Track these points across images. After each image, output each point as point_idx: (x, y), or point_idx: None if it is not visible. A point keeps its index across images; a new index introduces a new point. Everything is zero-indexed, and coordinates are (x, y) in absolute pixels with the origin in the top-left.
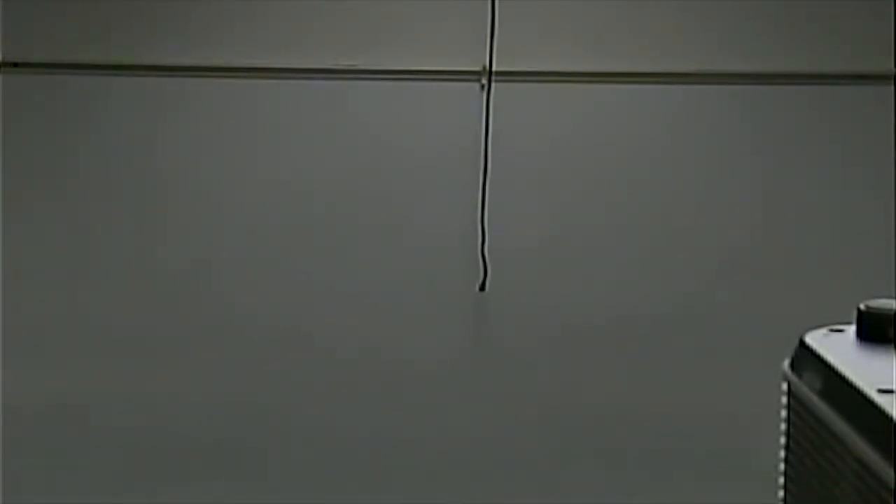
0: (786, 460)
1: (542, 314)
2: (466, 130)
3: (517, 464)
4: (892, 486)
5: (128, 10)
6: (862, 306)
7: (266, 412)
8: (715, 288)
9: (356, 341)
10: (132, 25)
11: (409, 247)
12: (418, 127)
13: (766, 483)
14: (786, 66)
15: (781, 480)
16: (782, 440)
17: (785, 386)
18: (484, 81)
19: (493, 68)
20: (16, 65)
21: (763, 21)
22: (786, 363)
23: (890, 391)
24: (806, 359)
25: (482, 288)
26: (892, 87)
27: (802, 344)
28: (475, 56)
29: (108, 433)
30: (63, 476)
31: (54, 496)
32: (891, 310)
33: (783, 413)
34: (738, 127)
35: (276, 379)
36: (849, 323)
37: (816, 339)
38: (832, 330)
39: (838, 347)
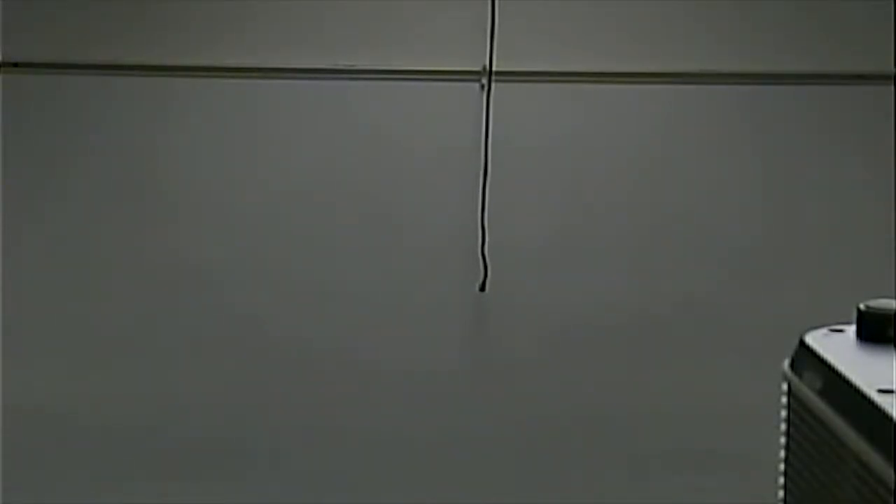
0: (786, 460)
1: (542, 314)
2: (466, 130)
3: (517, 463)
4: (892, 486)
5: (128, 10)
6: (862, 306)
7: (266, 412)
8: (715, 288)
9: (356, 341)
10: (132, 25)
11: (409, 247)
12: (418, 127)
13: (766, 483)
14: (786, 66)
15: (781, 480)
16: (782, 440)
17: (785, 386)
18: (484, 81)
19: (493, 68)
20: (16, 65)
21: (763, 21)
22: (786, 363)
23: (890, 391)
24: (806, 359)
25: (482, 288)
26: (892, 87)
27: (802, 344)
28: (475, 56)
29: (109, 433)
30: (63, 476)
31: (54, 496)
32: (891, 310)
33: (783, 413)
34: (738, 127)
35: (275, 378)
36: (849, 323)
37: (816, 339)
38: (832, 330)
39: (838, 347)
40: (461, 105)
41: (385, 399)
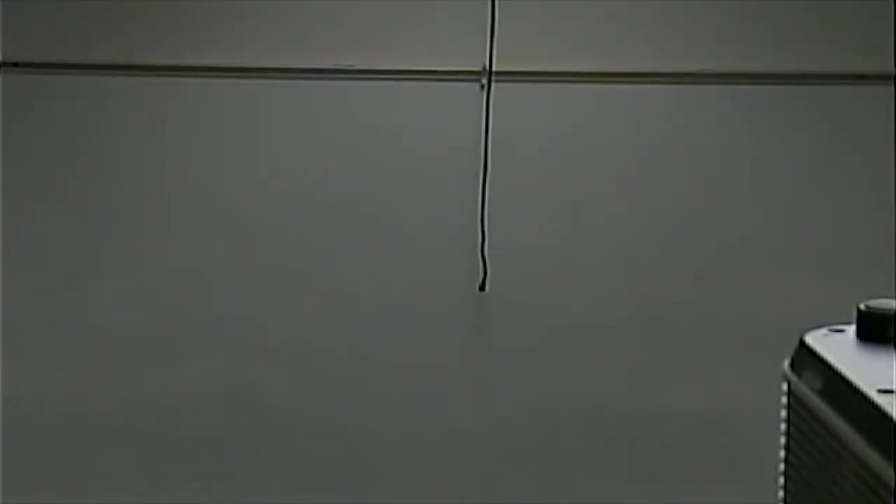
0: (786, 460)
1: (542, 314)
2: (466, 130)
3: (517, 464)
4: (893, 486)
5: (128, 10)
6: (862, 306)
7: (266, 411)
8: (715, 288)
9: (356, 341)
10: (132, 25)
11: (409, 247)
12: (418, 127)
13: (766, 483)
14: (786, 66)
15: (781, 480)
16: (782, 440)
17: (785, 386)
18: (484, 81)
19: (493, 68)
20: (16, 65)
21: (763, 21)
22: (786, 363)
23: (890, 391)
24: (806, 359)
25: (482, 288)
26: (892, 87)
27: (802, 344)
28: (475, 56)
29: (108, 433)
30: (63, 476)
31: (54, 496)
32: (891, 310)
33: (783, 413)
34: (738, 127)
35: (275, 378)
36: (849, 323)
37: (816, 339)
38: (832, 330)
39: (838, 347)
40: (461, 105)
41: (385, 398)
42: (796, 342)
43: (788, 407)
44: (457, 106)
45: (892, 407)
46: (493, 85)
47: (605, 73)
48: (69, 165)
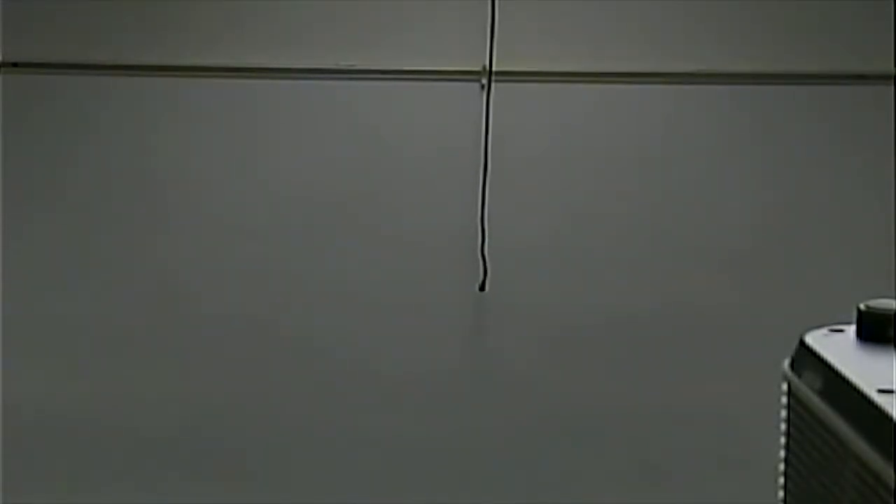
0: (786, 460)
1: (542, 314)
2: (466, 130)
3: (516, 464)
4: (892, 486)
5: (128, 10)
6: (862, 306)
7: (265, 411)
8: (715, 288)
9: (355, 341)
10: (132, 25)
11: (409, 247)
12: (418, 127)
13: (766, 483)
14: (786, 66)
15: (781, 480)
16: (782, 440)
17: (785, 386)
18: (484, 81)
19: (493, 68)
20: (16, 65)
21: (763, 21)
22: (786, 363)
23: (890, 391)
24: (806, 359)
25: (482, 288)
26: (892, 87)
27: (802, 344)
28: (475, 56)
29: (108, 433)
30: (63, 476)
31: (54, 496)
32: (891, 310)
33: (783, 413)
34: (739, 127)
35: (275, 378)
36: (849, 323)
37: (816, 339)
38: (832, 330)
39: (838, 347)
40: (461, 105)
41: (385, 398)
42: (796, 342)
43: (788, 407)
44: (457, 106)
45: (892, 407)
46: (493, 85)
47: (605, 73)
48: (69, 165)
